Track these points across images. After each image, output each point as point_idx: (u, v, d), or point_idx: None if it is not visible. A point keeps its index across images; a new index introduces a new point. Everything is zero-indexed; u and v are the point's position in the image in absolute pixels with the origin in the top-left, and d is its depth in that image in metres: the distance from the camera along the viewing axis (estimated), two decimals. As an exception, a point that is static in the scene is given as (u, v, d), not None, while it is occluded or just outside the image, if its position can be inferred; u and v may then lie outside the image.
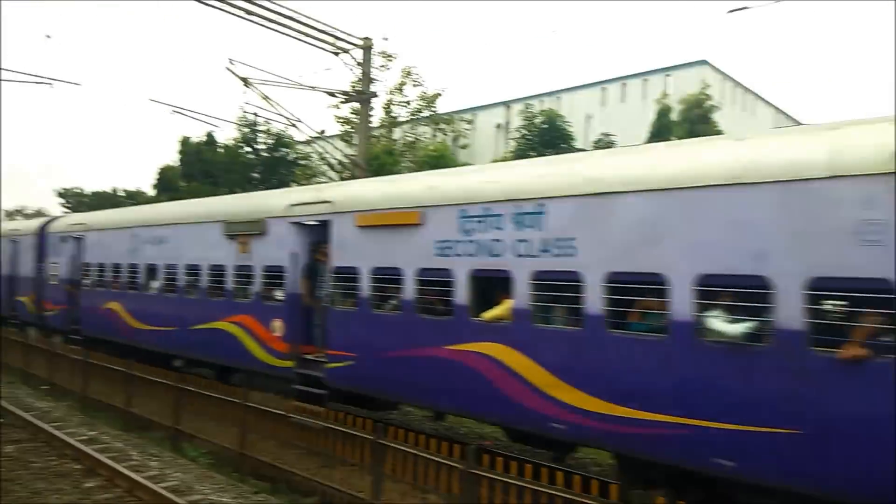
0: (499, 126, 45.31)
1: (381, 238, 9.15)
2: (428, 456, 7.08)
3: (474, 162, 27.09)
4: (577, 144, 28.90)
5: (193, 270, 12.92)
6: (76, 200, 46.23)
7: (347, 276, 9.59)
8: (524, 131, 29.33)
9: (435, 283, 8.39)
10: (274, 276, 10.95)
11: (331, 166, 22.59)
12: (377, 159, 25.63)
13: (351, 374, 9.49)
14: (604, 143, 27.27)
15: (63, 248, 18.02)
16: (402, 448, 7.32)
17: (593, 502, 5.70)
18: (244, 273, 11.63)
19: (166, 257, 13.72)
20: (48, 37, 15.06)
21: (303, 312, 10.63)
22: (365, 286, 9.28)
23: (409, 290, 8.63)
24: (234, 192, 23.65)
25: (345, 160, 20.96)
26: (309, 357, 10.33)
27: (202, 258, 12.65)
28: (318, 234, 10.57)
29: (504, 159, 25.08)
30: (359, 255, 9.46)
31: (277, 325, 10.75)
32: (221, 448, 9.83)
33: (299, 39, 15.80)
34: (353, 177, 16.99)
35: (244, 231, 11.64)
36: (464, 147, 35.99)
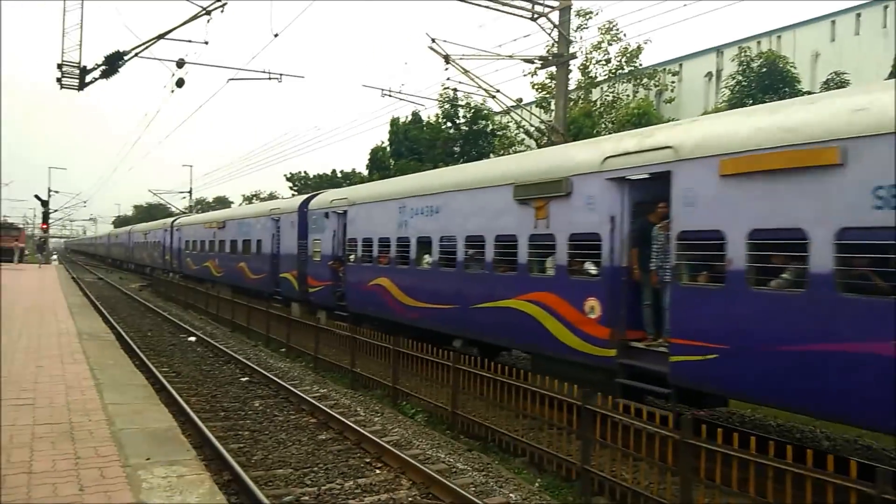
0: (708, 75, 41.78)
1: (765, 189, 6.80)
2: (640, 424, 6.74)
3: (680, 117, 25.26)
4: (803, 88, 25.67)
5: (476, 242, 11.43)
6: (301, 183, 50.96)
7: (705, 242, 7.42)
8: (739, 77, 26.70)
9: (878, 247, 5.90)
10: (584, 245, 9.21)
11: (528, 134, 22.47)
12: (574, 123, 24.95)
13: (715, 371, 7.24)
14: (835, 84, 23.89)
15: (325, 223, 17.79)
16: (613, 415, 7.06)
17: (834, 480, 5.01)
18: (542, 243, 9.85)
19: (442, 229, 12.43)
20: (276, 35, 16.78)
21: (628, 290, 8.69)
22: (737, 255, 6.99)
23: (823, 258, 6.23)
24: (438, 168, 24.41)
25: (542, 126, 20.72)
26: (638, 345, 8.54)
27: (486, 228, 11.14)
28: (645, 190, 8.61)
29: (716, 111, 23.04)
30: (724, 213, 7.17)
31: (593, 305, 8.94)
32: (435, 407, 10.29)
33: (496, 9, 15.86)
34: (551, 143, 16.69)
35: (540, 194, 9.87)
36: (669, 101, 33.75)
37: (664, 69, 34.72)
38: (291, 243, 20.30)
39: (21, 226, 67.00)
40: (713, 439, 6.01)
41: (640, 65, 31.13)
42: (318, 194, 20.61)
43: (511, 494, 7.24)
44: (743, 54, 28.23)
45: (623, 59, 30.40)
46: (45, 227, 57.18)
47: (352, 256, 16.17)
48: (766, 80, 24.99)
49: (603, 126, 28.20)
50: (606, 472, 7.02)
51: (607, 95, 31.10)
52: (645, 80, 31.58)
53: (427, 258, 12.99)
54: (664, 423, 6.52)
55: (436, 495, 7.08)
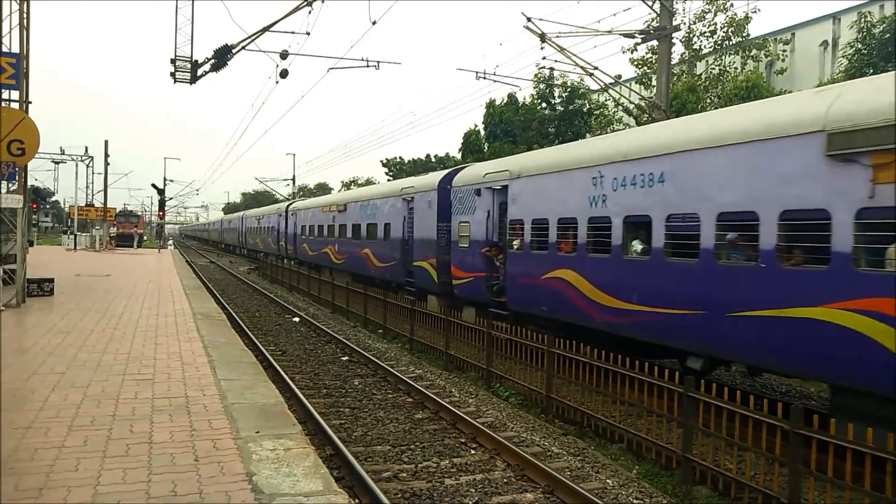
0: (824, 44, 38.92)
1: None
2: (745, 412, 6.45)
3: (794, 89, 23.69)
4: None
5: (737, 221, 8.07)
6: (396, 169, 51.80)
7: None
8: (858, 45, 24.70)
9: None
10: None
11: (628, 112, 21.78)
12: (677, 98, 23.94)
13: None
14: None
15: (476, 202, 14.87)
16: (716, 402, 6.79)
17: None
18: (884, 221, 6.34)
19: (670, 204, 9.12)
20: (374, 23, 17.05)
21: None
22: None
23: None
24: (532, 150, 24.10)
25: (642, 104, 20.02)
26: None
27: (761, 200, 7.66)
28: None
29: (832, 82, 21.45)
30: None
31: None
32: (529, 390, 10.26)
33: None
34: (652, 121, 16.11)
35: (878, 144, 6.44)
36: (780, 73, 31.72)
37: (775, 39, 32.61)
38: (428, 227, 17.49)
39: (140, 213, 72.01)
40: (825, 430, 5.67)
41: (748, 35, 29.41)
42: (462, 168, 17.50)
43: (608, 480, 7.14)
44: (863, 20, 26.09)
45: (730, 30, 28.81)
46: (161, 214, 61.13)
47: (515, 242, 13.09)
48: (888, 47, 23.00)
49: (708, 101, 26.92)
50: (709, 461, 6.79)
51: (713, 69, 29.61)
52: (754, 52, 29.84)
53: (637, 245, 9.95)
54: (772, 411, 6.22)
55: (531, 477, 7.08)
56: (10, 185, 14.12)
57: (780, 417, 6.11)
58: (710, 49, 29.42)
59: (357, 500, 6.19)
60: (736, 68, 29.57)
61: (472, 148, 38.13)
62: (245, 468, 5.06)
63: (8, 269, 14.58)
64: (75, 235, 48.94)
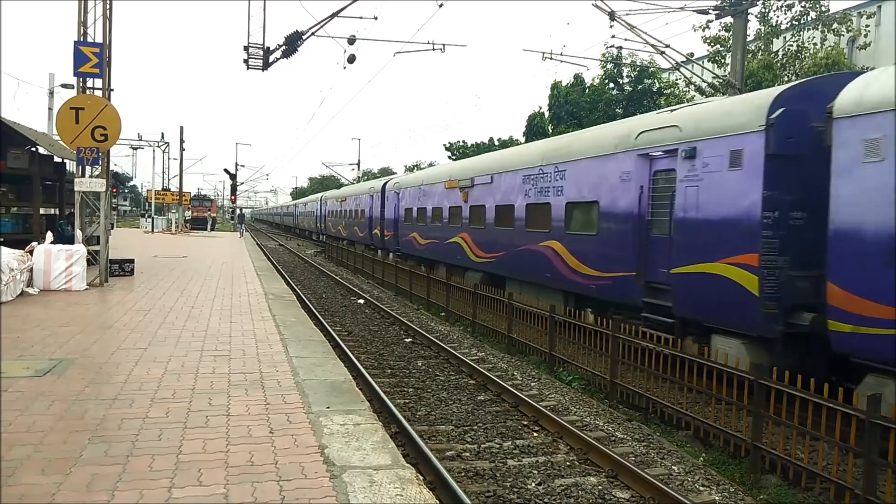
0: (914, 17, 36.55)
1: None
2: (819, 401, 6.26)
3: (879, 65, 22.42)
4: None
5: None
6: (459, 153, 51.80)
7: None
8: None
9: None
10: None
11: (700, 91, 21.13)
12: (752, 76, 23.05)
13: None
14: None
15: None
16: (788, 390, 6.61)
17: None
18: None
19: None
20: (441, 5, 17.03)
21: None
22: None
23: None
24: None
25: (715, 82, 19.38)
26: None
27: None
28: None
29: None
30: None
31: None
32: (592, 375, 10.21)
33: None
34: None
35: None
36: (864, 47, 30.02)
37: (858, 13, 30.89)
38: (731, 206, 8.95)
39: (213, 197, 74.59)
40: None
41: (828, 9, 27.96)
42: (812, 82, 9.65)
43: (674, 467, 7.06)
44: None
45: (808, 4, 27.46)
46: (233, 198, 63.20)
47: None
48: None
49: (785, 79, 25.81)
50: (779, 450, 6.63)
51: (790, 45, 28.32)
52: (835, 26, 28.36)
53: None
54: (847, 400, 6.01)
55: (594, 461, 7.08)
56: (93, 170, 14.89)
57: (856, 406, 5.90)
58: (788, 24, 28.14)
59: (422, 477, 6.34)
60: (815, 44, 28.20)
61: (536, 130, 37.77)
62: (317, 441, 5.27)
63: (92, 250, 15.42)
64: (152, 218, 51.20)
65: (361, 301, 19.61)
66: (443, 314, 17.17)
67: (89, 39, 14.54)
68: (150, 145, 56.38)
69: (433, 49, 21.05)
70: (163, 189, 57.63)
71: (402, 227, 26.14)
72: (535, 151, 15.28)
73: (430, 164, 65.11)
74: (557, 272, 13.28)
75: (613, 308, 11.59)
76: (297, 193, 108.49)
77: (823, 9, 27.28)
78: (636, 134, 11.13)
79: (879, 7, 35.71)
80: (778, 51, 28.30)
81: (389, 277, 23.55)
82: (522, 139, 40.41)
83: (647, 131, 10.91)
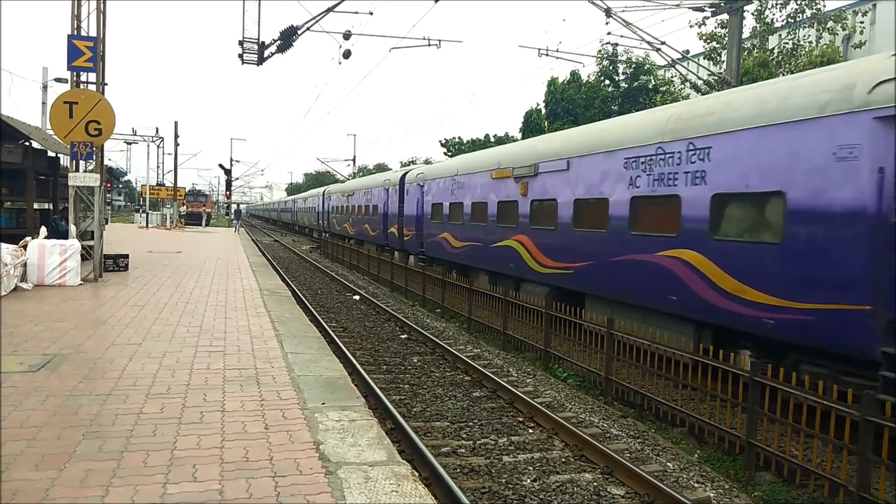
0: (909, 15, 36.64)
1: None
2: (814, 399, 6.28)
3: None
4: None
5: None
6: (455, 149, 51.68)
7: None
8: (948, 16, 23.22)
9: None
10: None
11: (696, 88, 21.15)
12: (748, 74, 23.09)
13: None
14: None
15: None
16: (784, 388, 6.63)
17: None
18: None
19: None
20: (436, 1, 16.89)
21: None
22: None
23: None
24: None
25: (711, 79, 19.40)
26: None
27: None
28: None
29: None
30: None
31: None
32: (588, 371, 10.22)
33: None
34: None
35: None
36: (859, 46, 30.11)
37: (853, 11, 30.99)
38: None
39: (207, 193, 74.40)
40: (900, 420, 5.47)
41: (824, 7, 28.03)
42: None
43: (668, 463, 7.08)
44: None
45: (804, 2, 27.54)
46: (228, 194, 63.04)
47: None
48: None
49: (781, 77, 25.86)
50: (773, 447, 6.65)
51: (786, 43, 28.39)
52: (830, 24, 28.44)
53: None
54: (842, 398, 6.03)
55: (589, 458, 7.09)
56: (87, 165, 14.82)
57: (851, 404, 5.92)
58: (784, 22, 28.22)
59: (418, 473, 6.34)
60: (811, 42, 28.29)
61: (533, 127, 37.71)
62: (312, 437, 5.26)
63: (86, 245, 15.34)
64: (147, 214, 51.02)
65: (357, 297, 19.59)
66: (438, 310, 17.16)
67: (83, 33, 14.46)
68: (145, 140, 56.18)
69: (429, 45, 21.05)
70: (157, 184, 57.42)
71: (427, 226, 21.99)
72: (651, 122, 11.02)
73: (427, 161, 64.47)
74: (691, 294, 9.28)
75: (797, 353, 7.91)
76: (293, 189, 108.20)
77: (819, 7, 27.34)
78: (871, 85, 7.10)
79: (874, 5, 35.79)
80: (773, 48, 28.37)
81: (385, 273, 23.37)
82: (519, 136, 40.37)
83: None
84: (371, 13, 19.00)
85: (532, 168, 14.37)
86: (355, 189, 35.65)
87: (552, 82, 36.23)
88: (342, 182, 49.05)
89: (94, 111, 14.08)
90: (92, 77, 14.57)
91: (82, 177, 14.60)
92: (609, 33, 28.12)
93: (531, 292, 13.63)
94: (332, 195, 43.54)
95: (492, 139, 49.80)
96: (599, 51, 30.80)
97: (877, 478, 5.67)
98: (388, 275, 22.86)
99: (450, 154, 49.96)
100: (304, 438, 5.22)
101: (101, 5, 14.60)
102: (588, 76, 35.45)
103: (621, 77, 33.25)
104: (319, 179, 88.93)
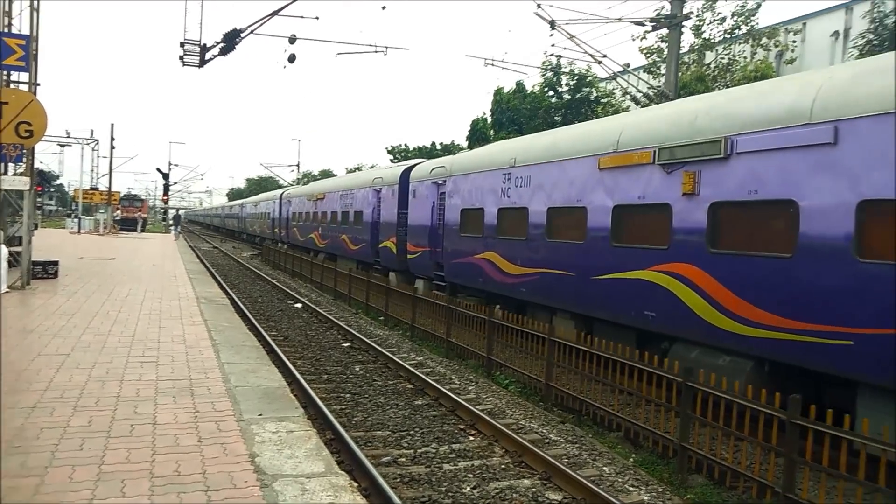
0: (835, 34, 38.60)
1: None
2: (742, 402, 6.51)
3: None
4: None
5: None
6: (401, 156, 51.59)
7: None
8: (870, 36, 24.56)
9: None
10: None
11: (636, 101, 21.74)
12: (685, 87, 23.89)
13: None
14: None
15: None
16: (713, 392, 6.85)
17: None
18: None
19: None
20: (384, 7, 16.94)
21: None
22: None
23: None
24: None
25: (650, 92, 19.96)
26: None
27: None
28: None
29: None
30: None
31: None
32: (529, 378, 10.34)
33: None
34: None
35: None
36: (790, 62, 31.54)
37: (786, 28, 32.47)
38: None
39: (144, 197, 72.21)
40: (822, 420, 5.73)
41: (758, 24, 29.29)
42: None
43: (605, 468, 7.21)
44: (876, 10, 25.89)
45: (739, 19, 28.70)
46: (165, 199, 61.32)
47: None
48: (899, 35, 22.88)
49: (717, 91, 26.83)
50: (705, 450, 6.86)
51: (722, 58, 29.50)
52: (764, 41, 29.70)
53: None
54: (770, 402, 6.27)
55: (528, 464, 7.16)
56: (17, 168, 14.19)
57: (778, 408, 6.16)
58: (720, 38, 29.31)
59: (357, 484, 6.28)
60: (745, 58, 29.46)
61: (479, 136, 38.05)
62: (248, 449, 5.15)
63: (13, 251, 14.68)
64: (79, 219, 49.10)
65: (299, 305, 19.31)
66: (382, 318, 17.08)
67: (14, 31, 13.86)
68: (79, 143, 54.12)
69: (375, 51, 20.97)
70: (91, 188, 55.38)
71: (452, 240, 15.81)
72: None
73: (372, 167, 62.58)
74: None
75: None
76: (234, 194, 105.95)
77: (753, 24, 28.52)
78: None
79: (805, 24, 37.56)
80: (710, 63, 29.42)
81: (328, 281, 22.97)
82: (465, 144, 40.64)
83: None
84: (317, 18, 18.85)
85: (720, 145, 8.00)
86: (327, 191, 29.11)
87: (498, 92, 36.67)
88: (290, 186, 47.65)
89: (25, 112, 13.45)
90: (24, 77, 13.99)
91: (11, 180, 13.96)
92: (553, 45, 28.73)
93: (719, 368, 7.87)
94: (292, 199, 37.35)
95: (438, 147, 49.95)
96: (544, 62, 31.38)
97: (802, 478, 5.92)
98: (332, 282, 22.62)
99: (396, 160, 48.77)
100: (240, 451, 5.11)
101: (35, 3, 14.05)
102: (533, 87, 36.03)
103: (564, 88, 33.91)
104: (262, 185, 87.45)
